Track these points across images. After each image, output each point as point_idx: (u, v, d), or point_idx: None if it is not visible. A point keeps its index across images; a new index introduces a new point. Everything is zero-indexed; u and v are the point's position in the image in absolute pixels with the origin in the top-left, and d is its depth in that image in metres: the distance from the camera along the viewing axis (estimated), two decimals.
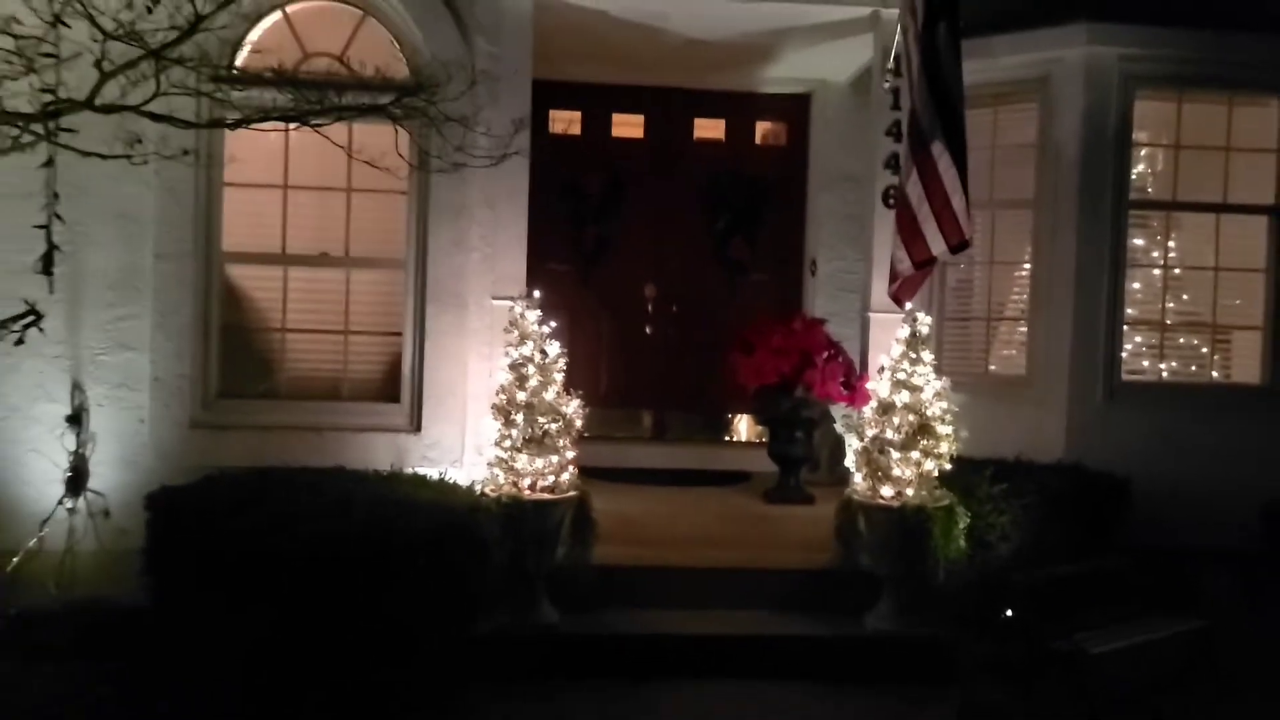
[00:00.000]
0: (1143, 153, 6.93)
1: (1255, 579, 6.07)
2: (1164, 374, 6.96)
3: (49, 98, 4.09)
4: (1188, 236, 7.00)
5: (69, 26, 4.15)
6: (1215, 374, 7.04)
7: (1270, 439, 6.63)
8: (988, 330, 7.23)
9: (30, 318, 3.46)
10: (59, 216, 3.58)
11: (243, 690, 4.04)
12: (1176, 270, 7.00)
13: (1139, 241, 6.93)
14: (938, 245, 4.88)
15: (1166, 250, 6.99)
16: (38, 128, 3.80)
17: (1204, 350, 7.04)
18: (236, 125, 4.42)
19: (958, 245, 4.83)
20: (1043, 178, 6.82)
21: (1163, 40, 6.62)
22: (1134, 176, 6.82)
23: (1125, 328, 6.83)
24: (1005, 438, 6.38)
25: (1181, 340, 7.07)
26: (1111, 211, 6.67)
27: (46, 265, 3.11)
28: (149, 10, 4.24)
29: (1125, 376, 6.77)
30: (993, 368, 7.19)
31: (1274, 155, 6.82)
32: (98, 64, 4.03)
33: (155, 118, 4.03)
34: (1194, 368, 7.03)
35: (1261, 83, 6.79)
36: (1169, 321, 6.98)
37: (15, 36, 3.94)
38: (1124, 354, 6.83)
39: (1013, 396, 6.87)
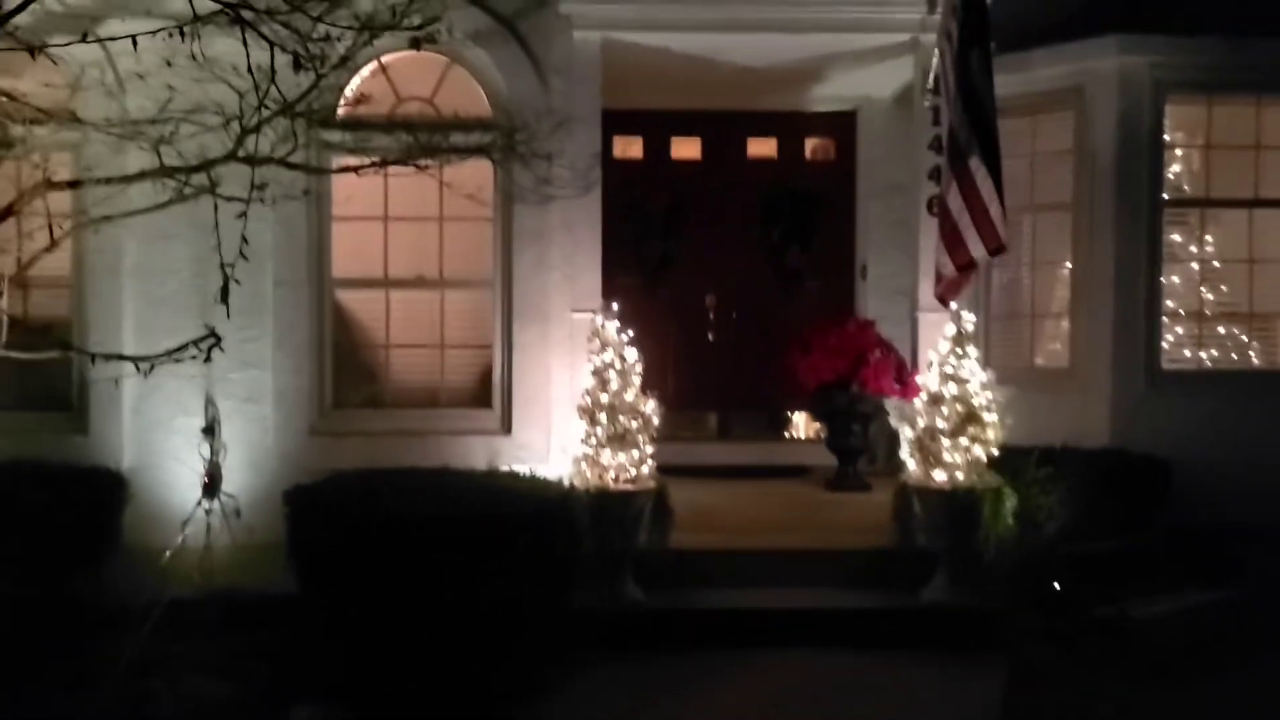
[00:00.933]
0: (1176, 154, 7.33)
1: None
2: (1205, 361, 7.33)
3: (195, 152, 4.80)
4: (1222, 232, 7.37)
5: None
6: (1255, 360, 7.39)
7: None
8: (1032, 326, 7.66)
9: (211, 340, 4.11)
10: (223, 261, 4.23)
11: (373, 656, 4.66)
12: (1214, 263, 7.37)
13: (1175, 238, 7.32)
14: (977, 250, 5.39)
15: (1202, 245, 7.37)
16: (200, 179, 4.49)
17: (1243, 338, 7.39)
18: (359, 170, 5.08)
19: (995, 249, 5.34)
20: (1080, 181, 7.24)
21: (1190, 48, 7.02)
22: (1168, 177, 7.22)
23: (1165, 319, 7.22)
24: (1052, 426, 6.78)
25: (1221, 330, 7.43)
26: (1147, 210, 7.07)
27: (224, 295, 3.75)
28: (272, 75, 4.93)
29: (1166, 365, 7.15)
30: (1039, 361, 7.61)
31: None
32: (240, 121, 4.72)
33: (291, 166, 4.71)
34: (1233, 355, 7.38)
35: None
36: (1207, 312, 7.35)
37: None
38: (1164, 344, 7.21)
39: (1058, 387, 7.29)
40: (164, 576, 5.88)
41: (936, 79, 6.24)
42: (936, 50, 6.12)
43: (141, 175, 4.71)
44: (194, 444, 6.27)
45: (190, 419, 6.31)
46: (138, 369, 4.25)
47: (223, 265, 3.71)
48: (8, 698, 4.38)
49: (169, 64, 4.48)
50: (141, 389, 6.18)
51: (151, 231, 6.03)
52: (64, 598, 5.34)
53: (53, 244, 4.53)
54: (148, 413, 6.33)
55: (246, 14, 4.29)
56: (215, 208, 4.08)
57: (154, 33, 3.92)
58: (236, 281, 3.71)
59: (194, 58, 4.20)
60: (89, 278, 6.35)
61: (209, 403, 6.30)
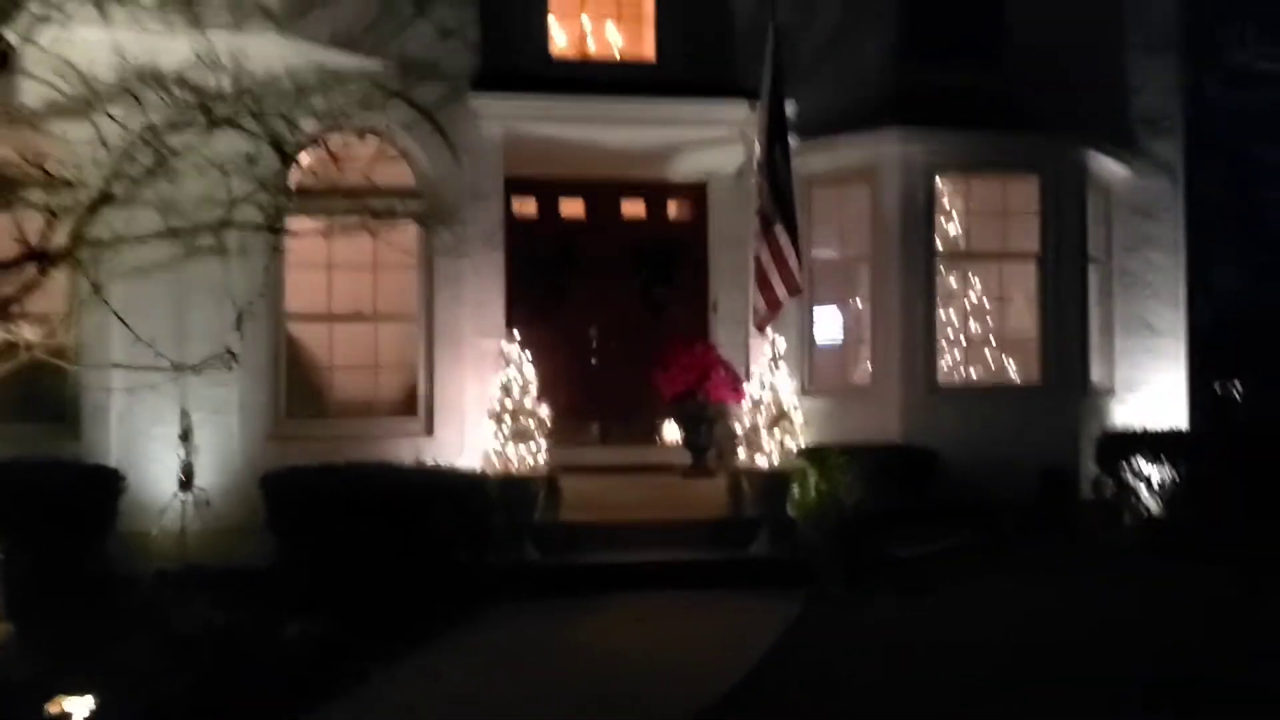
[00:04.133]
0: (944, 218, 9.57)
1: (1031, 518, 8.57)
2: (970, 378, 9.54)
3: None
4: (981, 278, 9.65)
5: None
6: (1010, 376, 9.65)
7: (1044, 423, 9.19)
8: (843, 352, 9.76)
9: (229, 355, 5.65)
10: (233, 302, 5.76)
11: (338, 594, 6.22)
12: (973, 302, 9.61)
13: (948, 282, 9.55)
14: (781, 292, 7.41)
15: (966, 288, 9.62)
16: (205, 238, 6.02)
17: (1000, 359, 9.66)
18: (321, 233, 6.70)
19: (794, 291, 7.38)
20: (875, 237, 9.40)
21: (953, 139, 9.29)
22: (938, 235, 9.44)
23: (941, 343, 9.41)
24: (860, 429, 8.89)
25: (987, 353, 9.68)
26: (924, 261, 9.27)
27: (238, 324, 5.29)
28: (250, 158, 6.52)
29: (940, 381, 9.32)
30: (850, 379, 9.70)
31: (1036, 217, 9.47)
32: (229, 194, 6.27)
33: (274, 230, 6.31)
34: (992, 373, 9.63)
35: (1026, 165, 9.48)
36: (972, 339, 9.58)
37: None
38: (942, 365, 9.39)
39: (863, 399, 9.38)
40: (149, 553, 7.29)
41: (758, 163, 8.27)
42: (757, 142, 8.16)
43: (155, 235, 6.20)
44: (171, 448, 7.68)
45: (168, 427, 7.71)
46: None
47: (240, 312, 5.29)
48: (63, 630, 5.74)
49: (173, 154, 5.98)
50: (126, 402, 7.59)
51: (135, 273, 7.45)
52: (78, 566, 6.70)
53: (96, 291, 5.83)
54: (131, 422, 7.72)
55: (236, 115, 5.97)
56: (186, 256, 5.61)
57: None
58: (251, 313, 5.29)
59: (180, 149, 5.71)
60: (83, 311, 7.68)
61: (184, 414, 7.72)
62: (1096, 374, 9.90)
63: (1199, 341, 10.82)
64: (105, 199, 5.30)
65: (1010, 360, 9.69)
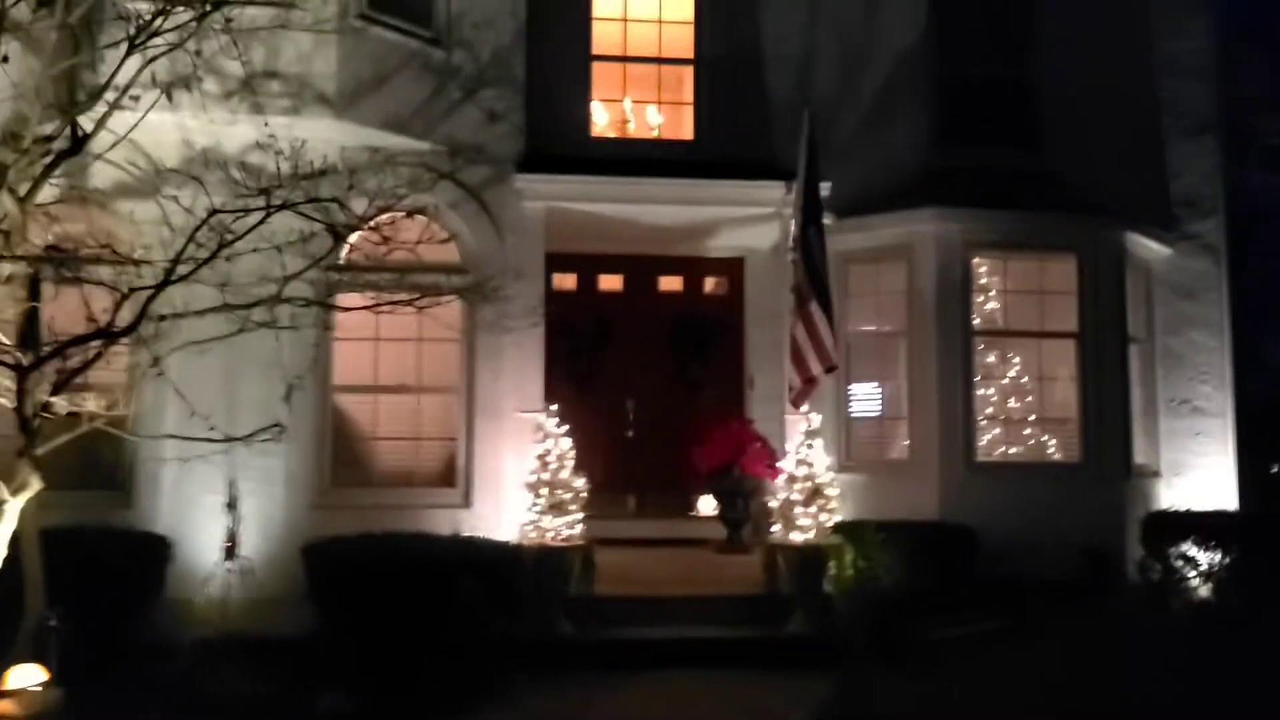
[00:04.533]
0: (981, 296, 9.61)
1: (1072, 599, 8.41)
2: (1009, 454, 9.48)
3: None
4: (1020, 355, 9.64)
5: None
6: (1050, 454, 9.56)
7: (1086, 502, 9.07)
8: (880, 428, 9.76)
9: (278, 427, 5.86)
10: (283, 372, 6.02)
11: (372, 662, 6.30)
12: (1014, 379, 9.59)
13: (986, 359, 9.55)
14: (816, 368, 7.49)
15: (1004, 366, 9.61)
16: (259, 312, 6.27)
17: (1041, 438, 9.59)
18: (370, 308, 6.95)
19: (829, 369, 7.45)
20: (912, 315, 9.45)
21: (988, 218, 9.39)
22: (975, 313, 9.46)
23: (981, 421, 9.38)
24: (897, 505, 8.85)
25: (1027, 431, 9.63)
26: (961, 338, 9.29)
27: (287, 396, 5.51)
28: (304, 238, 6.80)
29: (979, 458, 9.27)
30: (889, 455, 9.68)
31: (1074, 296, 9.48)
32: (283, 275, 6.55)
33: (326, 306, 6.57)
34: (1032, 451, 9.55)
35: (1063, 245, 9.53)
36: (1012, 417, 9.54)
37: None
38: (980, 442, 9.35)
39: (901, 475, 9.35)
40: (193, 620, 7.43)
41: (794, 239, 8.43)
42: (793, 220, 8.33)
43: (212, 310, 6.47)
44: (217, 517, 7.88)
45: (215, 496, 7.91)
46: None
47: (291, 385, 5.51)
48: (107, 698, 5.88)
49: (233, 236, 6.27)
50: (177, 472, 7.78)
51: (191, 347, 7.75)
52: (125, 633, 6.86)
53: (155, 364, 6.08)
54: (181, 491, 7.91)
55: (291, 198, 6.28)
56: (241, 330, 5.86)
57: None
58: (300, 386, 5.49)
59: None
60: (142, 383, 7.97)
61: (231, 484, 7.94)
62: (1140, 454, 9.77)
63: (1247, 422, 10.64)
64: (170, 278, 5.57)
65: (1050, 439, 9.62)
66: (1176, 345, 10.27)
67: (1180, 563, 8.68)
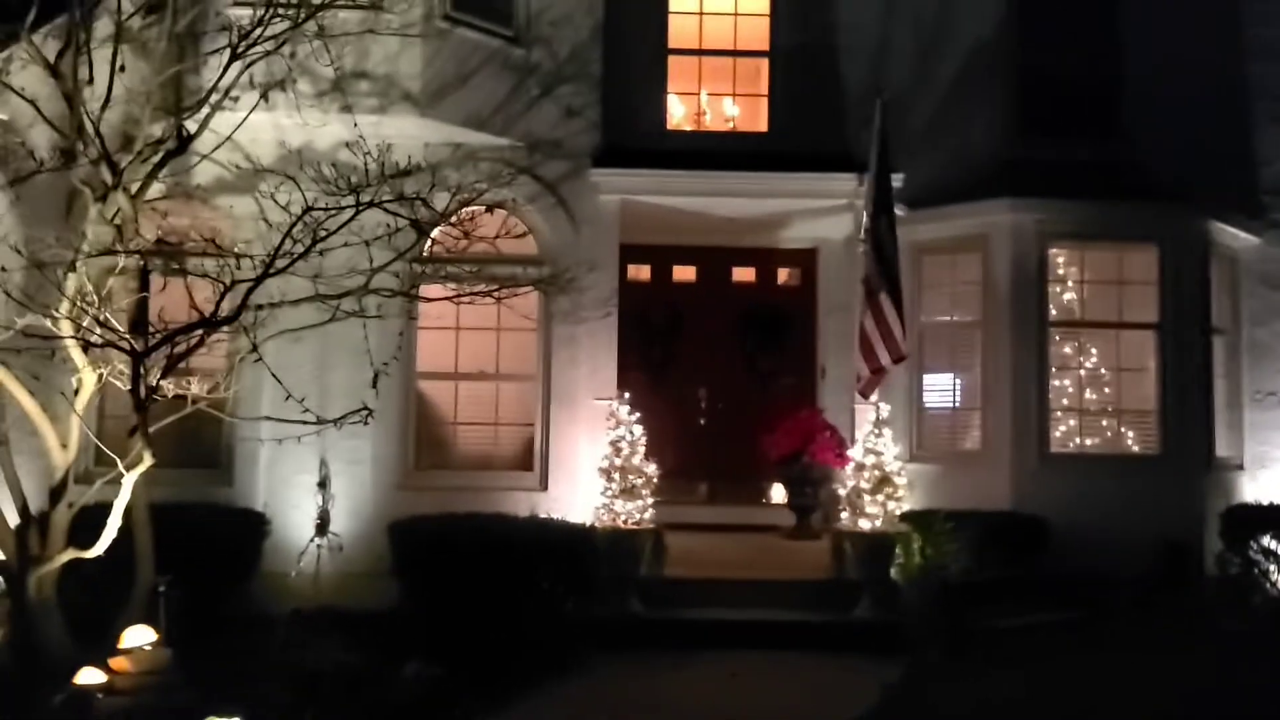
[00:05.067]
0: (1058, 286, 9.52)
1: (1146, 593, 8.33)
2: (1085, 445, 9.39)
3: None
4: (1097, 346, 9.52)
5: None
6: (1128, 445, 9.44)
7: (1164, 495, 8.95)
8: (953, 418, 9.75)
9: (366, 411, 6.22)
10: (371, 359, 6.41)
11: (454, 636, 6.62)
12: (1087, 371, 9.48)
13: (1065, 350, 9.47)
14: (885, 359, 7.56)
15: (1081, 356, 9.51)
16: (349, 302, 6.64)
17: (1116, 429, 9.47)
18: (452, 299, 7.27)
19: (897, 359, 7.52)
20: (987, 305, 9.42)
21: (1065, 208, 9.29)
22: (1052, 304, 9.38)
23: (1056, 412, 9.31)
24: (968, 495, 8.85)
25: (1104, 423, 9.52)
26: (1036, 329, 9.23)
27: (374, 382, 5.89)
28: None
29: (1053, 449, 9.20)
30: (960, 445, 9.68)
31: (1155, 287, 9.32)
32: (371, 268, 6.91)
33: (411, 297, 6.91)
34: (1101, 441, 9.44)
35: (1143, 234, 9.38)
36: (1088, 409, 9.44)
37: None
38: (1055, 433, 9.28)
39: (973, 465, 9.34)
40: (287, 593, 7.89)
41: (866, 230, 8.49)
42: (865, 211, 8.40)
43: (305, 300, 6.86)
44: (310, 495, 8.34)
45: (308, 476, 8.38)
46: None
47: (376, 371, 5.85)
48: (210, 662, 6.31)
49: (325, 230, 6.63)
50: (274, 453, 8.26)
51: (285, 335, 8.20)
52: (225, 602, 7.33)
53: (253, 351, 6.47)
54: (276, 470, 8.40)
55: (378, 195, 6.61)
56: (332, 318, 6.21)
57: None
58: (386, 372, 5.83)
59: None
60: (241, 368, 8.46)
61: (323, 464, 8.39)
62: (1223, 447, 9.58)
63: None
64: (269, 271, 5.95)
65: (1128, 430, 9.49)
66: (1264, 336, 10.01)
67: (1261, 556, 8.51)
